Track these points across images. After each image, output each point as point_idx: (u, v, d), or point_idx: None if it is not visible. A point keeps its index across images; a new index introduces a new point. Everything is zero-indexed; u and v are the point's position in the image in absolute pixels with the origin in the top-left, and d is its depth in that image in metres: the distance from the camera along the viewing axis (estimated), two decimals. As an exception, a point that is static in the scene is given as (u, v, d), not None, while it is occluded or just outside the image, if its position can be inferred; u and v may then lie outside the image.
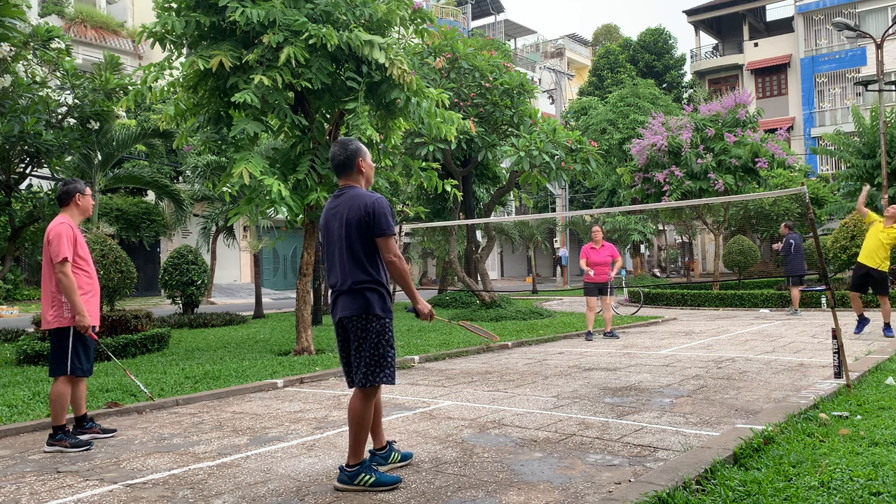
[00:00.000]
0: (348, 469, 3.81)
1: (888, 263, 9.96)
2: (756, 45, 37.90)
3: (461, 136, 13.90)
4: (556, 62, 47.57)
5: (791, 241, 14.12)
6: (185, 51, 8.93)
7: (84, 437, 5.02)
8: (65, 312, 4.92)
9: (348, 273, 3.83)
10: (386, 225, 3.80)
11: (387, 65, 8.32)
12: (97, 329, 5.17)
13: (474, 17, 48.31)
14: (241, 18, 7.81)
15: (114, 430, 5.30)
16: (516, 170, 14.77)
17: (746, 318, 14.06)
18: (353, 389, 3.90)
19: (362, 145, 4.01)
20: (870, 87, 20.14)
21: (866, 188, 10.25)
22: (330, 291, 3.98)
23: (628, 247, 34.14)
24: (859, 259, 10.09)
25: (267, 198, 8.38)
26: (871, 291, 10.26)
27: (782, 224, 14.68)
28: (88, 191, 5.18)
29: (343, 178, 3.99)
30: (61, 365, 4.93)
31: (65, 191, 5.05)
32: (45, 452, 4.82)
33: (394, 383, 3.92)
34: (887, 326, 9.93)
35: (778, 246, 14.45)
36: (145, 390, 6.38)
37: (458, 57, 14.51)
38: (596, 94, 39.34)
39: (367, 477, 3.79)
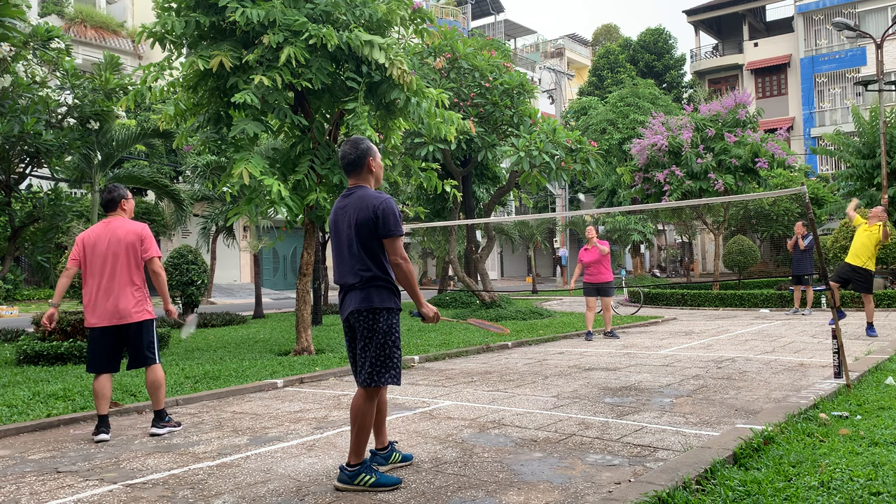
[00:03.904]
0: (349, 469, 3.80)
1: (873, 263, 10.17)
2: (756, 45, 37.88)
3: (461, 136, 13.90)
4: (556, 62, 47.55)
5: (811, 238, 14.04)
6: (184, 51, 8.93)
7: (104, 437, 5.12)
8: (149, 306, 5.33)
9: (357, 271, 3.82)
10: (394, 225, 3.77)
11: (387, 65, 8.31)
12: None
13: (474, 17, 48.28)
14: (241, 19, 7.81)
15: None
16: (516, 170, 14.76)
17: (746, 318, 14.06)
18: (355, 389, 3.90)
19: (373, 145, 3.98)
20: (870, 87, 20.13)
21: (855, 201, 11.19)
22: (339, 289, 3.97)
23: (628, 247, 34.13)
24: (846, 259, 10.40)
25: (267, 198, 8.38)
26: (851, 289, 10.51)
27: (800, 223, 14.40)
28: (129, 194, 5.57)
29: (353, 178, 3.97)
30: (153, 353, 5.35)
31: (110, 198, 5.40)
32: (153, 435, 5.21)
33: (399, 384, 3.91)
34: (870, 326, 10.04)
35: (793, 243, 14.18)
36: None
37: (458, 57, 14.51)
38: (596, 94, 39.33)
39: (368, 477, 3.79)
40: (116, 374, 6.86)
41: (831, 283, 10.33)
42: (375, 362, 3.79)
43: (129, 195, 5.53)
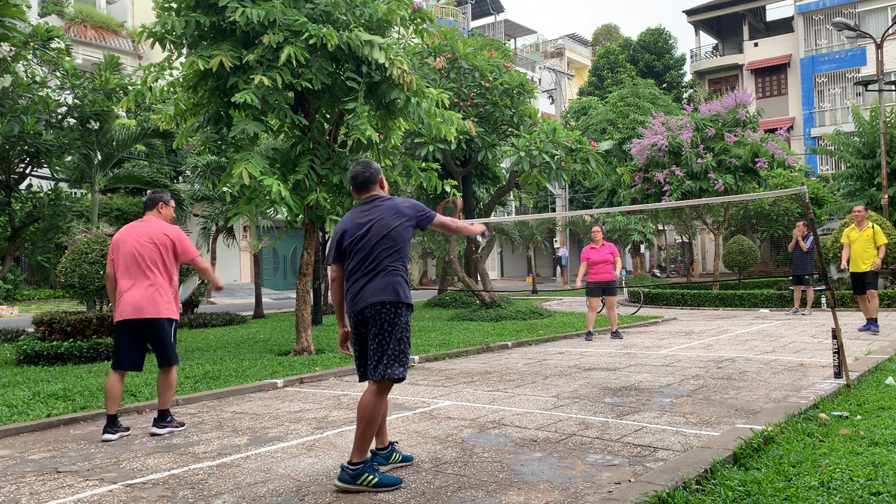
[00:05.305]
0: (351, 468, 3.80)
1: (877, 262, 10.46)
2: (756, 45, 37.88)
3: (461, 136, 13.90)
4: (556, 62, 47.55)
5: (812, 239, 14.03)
6: (185, 51, 8.93)
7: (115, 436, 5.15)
8: (173, 306, 5.36)
9: (384, 265, 3.94)
10: (428, 209, 4.24)
11: (387, 65, 8.31)
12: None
13: (474, 17, 48.27)
14: (241, 18, 7.81)
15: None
16: (516, 170, 14.76)
17: (746, 318, 14.06)
18: (355, 389, 3.92)
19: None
20: (870, 87, 20.14)
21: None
22: (352, 283, 3.98)
23: (628, 247, 34.12)
24: (852, 269, 10.67)
25: (266, 198, 8.38)
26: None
27: (800, 223, 14.33)
28: (172, 202, 5.69)
29: (364, 193, 4.15)
30: (174, 353, 5.39)
31: (151, 198, 5.54)
32: (154, 435, 5.18)
33: (405, 379, 3.96)
34: (873, 321, 10.35)
35: (794, 244, 14.18)
36: None
37: (458, 57, 14.51)
38: (596, 94, 39.31)
39: (371, 477, 3.79)
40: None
41: (858, 297, 10.63)
42: (392, 355, 3.85)
43: (172, 202, 5.66)
